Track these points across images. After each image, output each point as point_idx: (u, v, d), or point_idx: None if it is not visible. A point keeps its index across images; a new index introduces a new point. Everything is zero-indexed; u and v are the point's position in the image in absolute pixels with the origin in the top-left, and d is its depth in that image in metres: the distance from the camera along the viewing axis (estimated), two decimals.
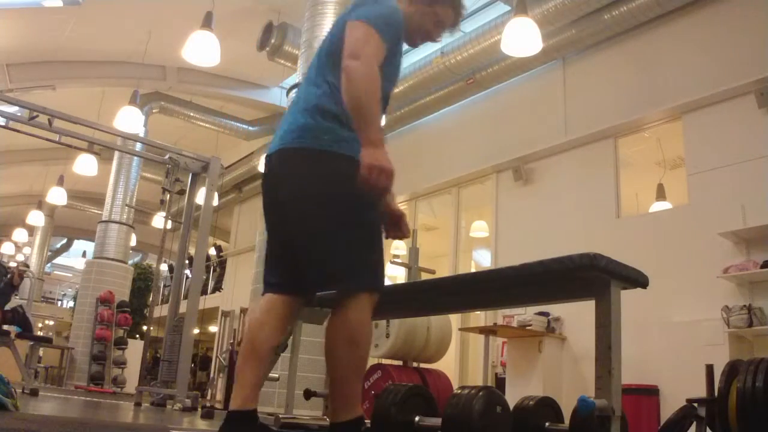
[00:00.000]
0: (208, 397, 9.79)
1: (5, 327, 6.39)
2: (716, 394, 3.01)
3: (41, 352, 11.56)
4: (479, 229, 8.87)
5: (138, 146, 8.86)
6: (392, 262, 6.21)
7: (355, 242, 1.87)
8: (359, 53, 1.81)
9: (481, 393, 1.90)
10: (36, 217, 14.33)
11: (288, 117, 2.01)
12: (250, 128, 10.72)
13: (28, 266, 14.26)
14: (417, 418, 2.04)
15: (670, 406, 4.44)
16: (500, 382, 6.20)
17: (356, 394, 1.87)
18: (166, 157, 6.29)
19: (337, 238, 1.87)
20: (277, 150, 1.95)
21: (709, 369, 3.30)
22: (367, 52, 1.82)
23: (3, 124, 6.08)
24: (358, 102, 1.78)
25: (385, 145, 1.78)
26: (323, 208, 1.87)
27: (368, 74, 1.79)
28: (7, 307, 6.71)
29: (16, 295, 7.59)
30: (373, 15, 1.90)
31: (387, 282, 2.08)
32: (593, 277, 1.70)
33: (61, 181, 11.67)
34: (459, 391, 1.95)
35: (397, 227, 2.15)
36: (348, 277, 1.87)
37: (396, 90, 8.11)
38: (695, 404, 3.27)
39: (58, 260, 23.39)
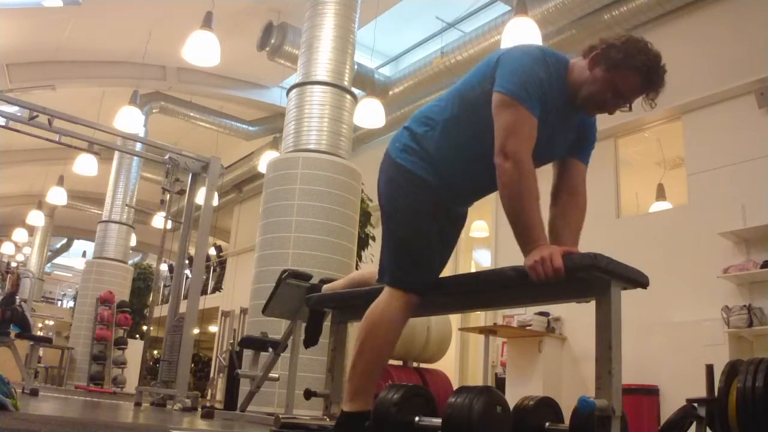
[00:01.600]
0: (208, 397, 9.79)
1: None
2: (716, 394, 3.01)
3: (41, 352, 11.56)
4: (479, 229, 8.87)
5: (138, 146, 8.86)
6: None
7: (394, 240, 2.05)
8: (509, 151, 1.79)
9: (481, 393, 1.90)
10: (36, 217, 14.31)
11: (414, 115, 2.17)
12: (250, 128, 10.71)
13: (21, 264, 14.24)
14: (417, 418, 2.03)
15: (670, 406, 4.44)
16: (500, 382, 6.20)
17: (362, 386, 1.96)
18: (166, 157, 6.29)
19: (384, 233, 2.09)
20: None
21: (709, 369, 3.30)
22: (518, 148, 1.79)
23: (3, 124, 6.08)
24: (509, 210, 1.81)
25: (539, 241, 1.75)
26: (381, 204, 2.12)
27: (518, 179, 1.78)
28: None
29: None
30: (517, 85, 1.83)
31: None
32: (593, 277, 1.69)
33: (61, 181, 11.66)
34: (459, 391, 1.95)
35: None
36: (382, 269, 2.06)
37: (396, 90, 8.20)
38: (695, 404, 3.28)
39: (58, 260, 23.36)
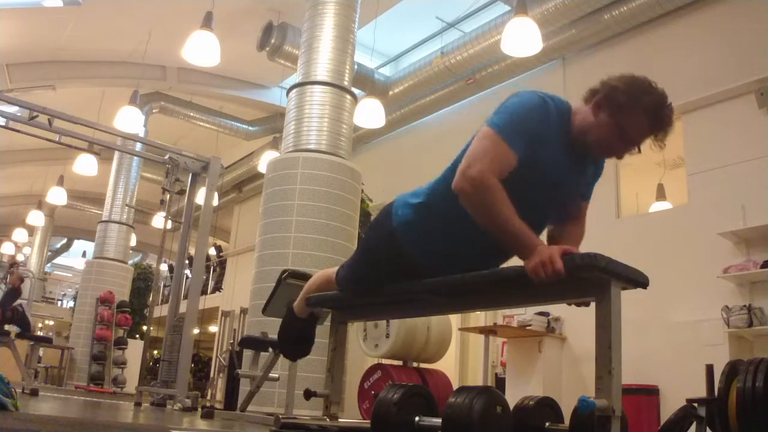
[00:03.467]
0: (208, 397, 9.79)
1: (5, 327, 6.39)
2: (716, 394, 3.01)
3: (41, 352, 11.56)
4: None
5: (138, 146, 8.86)
6: None
7: (356, 256, 2.34)
8: (467, 171, 1.75)
9: (481, 393, 1.90)
10: (36, 217, 14.32)
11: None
12: (250, 128, 10.71)
13: (21, 264, 14.24)
14: (417, 418, 2.03)
15: (670, 406, 4.44)
16: (500, 382, 6.20)
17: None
18: (166, 157, 6.29)
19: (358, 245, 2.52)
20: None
21: (709, 369, 3.30)
22: (478, 168, 1.73)
23: (3, 124, 6.08)
24: (488, 226, 1.77)
25: (535, 245, 1.70)
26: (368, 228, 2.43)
27: (474, 194, 1.74)
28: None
29: None
30: (503, 121, 1.80)
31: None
32: (593, 278, 1.69)
33: (61, 181, 11.66)
34: (459, 391, 1.95)
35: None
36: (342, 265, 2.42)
37: (396, 90, 8.21)
38: (695, 404, 3.27)
39: (58, 260, 23.36)
